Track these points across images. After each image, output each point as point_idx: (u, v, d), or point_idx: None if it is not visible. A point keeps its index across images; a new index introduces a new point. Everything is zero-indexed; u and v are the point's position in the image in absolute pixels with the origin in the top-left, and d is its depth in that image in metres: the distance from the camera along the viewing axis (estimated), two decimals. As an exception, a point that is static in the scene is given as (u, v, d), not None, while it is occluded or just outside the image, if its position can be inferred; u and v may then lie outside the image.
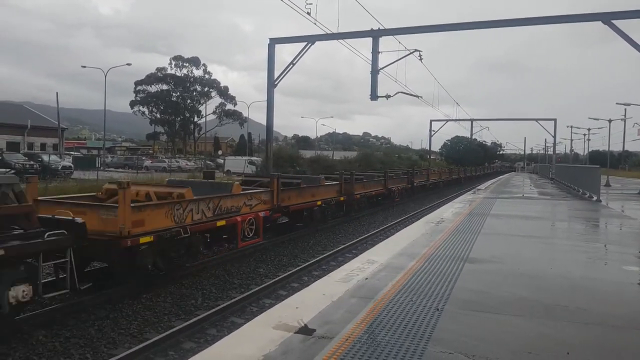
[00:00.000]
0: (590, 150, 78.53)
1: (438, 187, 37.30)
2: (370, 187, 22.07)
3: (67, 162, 41.08)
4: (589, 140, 67.19)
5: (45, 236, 6.40)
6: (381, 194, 23.52)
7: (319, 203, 15.60)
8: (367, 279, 6.16)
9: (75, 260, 6.86)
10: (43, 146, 53.67)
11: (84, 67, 53.00)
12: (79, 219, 7.17)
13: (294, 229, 14.72)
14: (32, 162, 36.02)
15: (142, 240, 8.07)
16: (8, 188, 6.46)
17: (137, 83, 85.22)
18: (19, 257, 6.18)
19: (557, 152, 64.82)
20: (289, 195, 13.66)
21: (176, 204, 9.10)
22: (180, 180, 15.10)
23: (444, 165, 64.29)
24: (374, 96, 23.39)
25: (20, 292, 6.07)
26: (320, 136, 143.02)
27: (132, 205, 8.00)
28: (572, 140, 70.14)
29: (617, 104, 37.38)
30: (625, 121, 43.87)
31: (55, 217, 7.24)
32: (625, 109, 41.67)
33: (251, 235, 11.35)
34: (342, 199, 17.82)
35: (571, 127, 65.04)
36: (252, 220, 11.41)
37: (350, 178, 18.96)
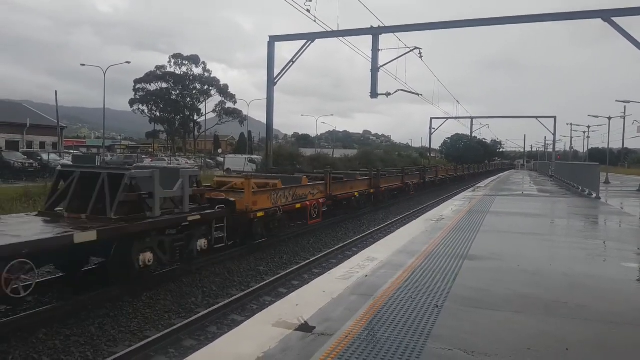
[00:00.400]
0: (589, 147, 78.50)
1: (445, 183, 39.61)
2: (392, 181, 25.37)
3: (67, 160, 41.08)
4: (588, 137, 67.35)
5: (216, 208, 9.91)
6: (400, 188, 26.59)
7: (355, 194, 19.18)
8: (367, 276, 6.17)
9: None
10: (42, 145, 53.66)
11: (83, 65, 52.83)
12: (231, 198, 10.92)
13: (335, 214, 17.94)
14: (31, 161, 36.00)
15: (258, 214, 11.60)
16: (194, 178, 9.74)
17: (136, 81, 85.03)
18: (204, 221, 9.49)
19: (556, 149, 64.82)
20: (336, 187, 17.28)
21: (272, 191, 12.62)
22: (267, 175, 18.00)
23: (444, 163, 64.39)
24: (374, 94, 23.40)
25: (202, 243, 9.47)
26: (321, 134, 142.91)
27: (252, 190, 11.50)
28: (571, 137, 70.26)
29: (616, 101, 37.43)
30: (624, 119, 43.91)
31: (212, 197, 10.86)
32: (625, 107, 41.71)
33: (315, 216, 14.96)
34: (371, 191, 21.27)
35: (571, 124, 65.23)
36: (315, 204, 15.00)
37: (377, 174, 22.50)
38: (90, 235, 7.00)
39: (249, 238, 11.62)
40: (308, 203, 14.43)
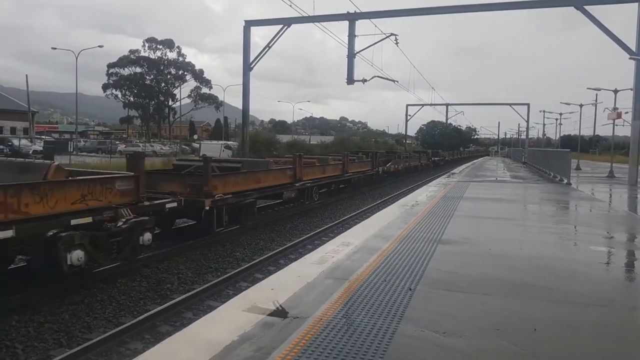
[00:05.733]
0: (562, 134, 79.81)
1: (419, 170, 43.15)
2: (414, 161, 37.10)
3: (38, 146, 40.17)
4: (560, 124, 68.21)
5: None
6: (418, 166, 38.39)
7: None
8: (342, 260, 6.23)
9: None
10: (13, 130, 52.40)
11: (55, 48, 51.55)
12: None
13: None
14: (1, 147, 35.13)
15: None
16: None
17: (109, 66, 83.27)
18: None
19: (530, 136, 65.95)
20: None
21: None
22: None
23: (420, 149, 65.14)
24: (350, 80, 23.42)
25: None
26: (297, 121, 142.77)
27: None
28: (544, 124, 71.24)
29: (588, 88, 38.10)
30: (596, 106, 44.73)
31: None
32: (596, 94, 42.48)
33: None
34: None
35: (544, 111, 65.94)
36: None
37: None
38: None
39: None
40: None
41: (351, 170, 21.76)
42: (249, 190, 12.71)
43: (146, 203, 8.70)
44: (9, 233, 6.20)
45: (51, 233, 6.78)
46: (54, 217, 6.92)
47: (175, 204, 9.48)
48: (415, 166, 37.79)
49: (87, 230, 7.26)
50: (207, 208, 10.46)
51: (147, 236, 8.25)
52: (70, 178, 7.64)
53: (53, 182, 7.11)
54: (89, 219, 7.32)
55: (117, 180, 8.13)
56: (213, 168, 11.89)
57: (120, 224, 7.82)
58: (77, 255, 6.93)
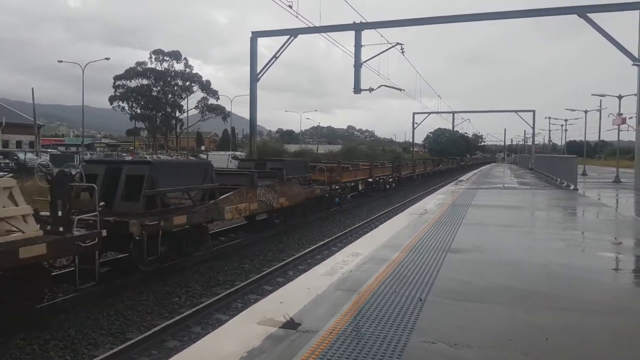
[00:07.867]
0: (567, 140, 79.27)
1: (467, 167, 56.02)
2: (449, 164, 49.89)
3: (44, 159, 40.37)
4: (566, 130, 67.81)
5: None
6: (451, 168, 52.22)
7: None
8: (351, 271, 6.19)
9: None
10: (19, 144, 52.71)
11: (61, 61, 52.10)
12: None
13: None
14: (7, 161, 35.32)
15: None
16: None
17: (116, 78, 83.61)
18: None
19: (536, 142, 65.66)
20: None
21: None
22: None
23: (427, 157, 65.09)
24: (357, 89, 23.48)
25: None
26: (305, 130, 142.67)
27: None
28: (550, 131, 70.92)
29: (592, 95, 37.88)
30: (600, 112, 44.54)
31: None
32: (601, 100, 42.27)
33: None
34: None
35: (549, 118, 65.68)
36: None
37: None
38: None
39: None
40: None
41: (428, 168, 42.04)
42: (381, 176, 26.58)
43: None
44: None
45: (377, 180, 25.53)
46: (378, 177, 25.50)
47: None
48: (450, 168, 53.24)
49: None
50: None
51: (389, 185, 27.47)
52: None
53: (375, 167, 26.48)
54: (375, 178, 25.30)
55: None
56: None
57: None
58: (381, 187, 26.05)
